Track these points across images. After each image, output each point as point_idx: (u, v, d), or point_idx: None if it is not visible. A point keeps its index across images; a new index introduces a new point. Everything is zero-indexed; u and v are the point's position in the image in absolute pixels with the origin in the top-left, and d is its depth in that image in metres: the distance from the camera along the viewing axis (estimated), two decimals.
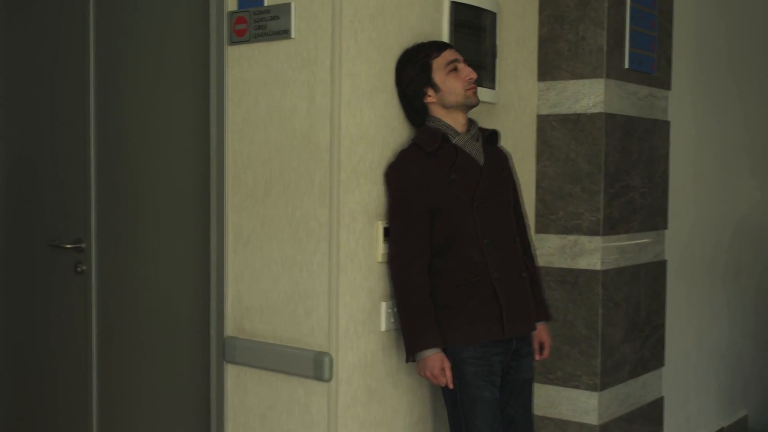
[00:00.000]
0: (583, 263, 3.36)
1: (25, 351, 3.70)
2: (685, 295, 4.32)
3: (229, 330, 2.92)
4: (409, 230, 2.68)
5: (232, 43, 2.86)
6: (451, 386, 2.69)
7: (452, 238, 2.70)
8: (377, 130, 2.73)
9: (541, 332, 2.94)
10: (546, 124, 3.44)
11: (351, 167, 2.65)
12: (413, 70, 2.74)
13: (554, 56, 3.41)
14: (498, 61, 3.22)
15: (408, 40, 2.82)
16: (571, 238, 3.38)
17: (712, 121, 4.59)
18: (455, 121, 2.77)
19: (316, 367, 2.66)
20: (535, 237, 3.46)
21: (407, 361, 2.73)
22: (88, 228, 3.38)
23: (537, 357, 2.94)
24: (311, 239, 2.69)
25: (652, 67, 3.60)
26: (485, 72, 3.15)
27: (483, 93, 3.12)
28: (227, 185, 2.90)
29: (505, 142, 3.29)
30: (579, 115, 3.35)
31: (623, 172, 3.43)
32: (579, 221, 3.36)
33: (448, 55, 2.76)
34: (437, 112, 2.77)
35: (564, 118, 3.39)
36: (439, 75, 2.74)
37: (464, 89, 2.74)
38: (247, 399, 2.88)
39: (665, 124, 3.74)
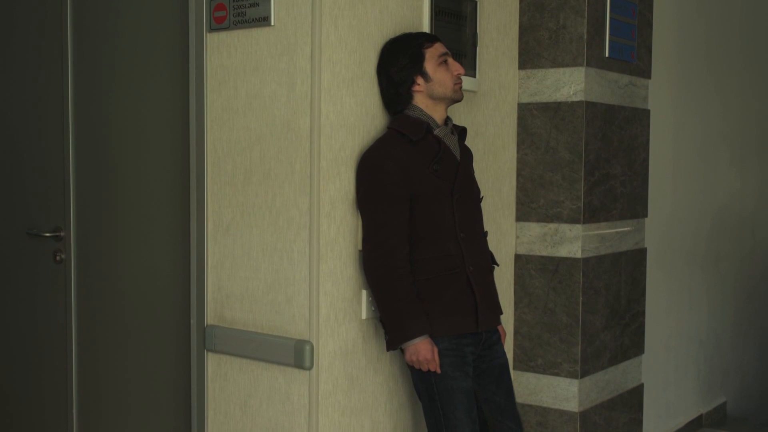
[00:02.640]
0: (563, 251, 3.37)
1: (3, 340, 3.68)
2: (664, 283, 4.35)
3: (210, 318, 2.92)
4: (393, 216, 2.65)
5: (212, 30, 2.85)
6: (439, 371, 2.68)
7: (430, 229, 2.71)
8: (358, 117, 2.73)
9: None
10: (526, 113, 3.44)
11: (331, 155, 2.65)
12: (405, 58, 2.74)
13: (535, 44, 3.41)
14: (479, 49, 3.22)
15: (389, 27, 2.82)
16: (552, 226, 3.39)
17: (692, 111, 4.61)
18: (436, 113, 2.78)
19: (296, 355, 2.65)
20: (515, 225, 3.47)
21: (389, 349, 2.71)
22: (67, 216, 3.36)
23: None
24: (291, 227, 2.68)
25: (632, 55, 3.61)
26: (466, 60, 3.15)
27: (464, 81, 3.12)
28: (207, 173, 2.89)
29: (486, 130, 3.30)
30: (559, 103, 3.36)
31: (603, 161, 3.45)
32: (559, 209, 3.37)
33: (440, 47, 2.78)
34: (421, 102, 2.76)
35: (544, 106, 3.40)
36: (430, 65, 2.74)
37: (452, 83, 2.76)
38: (228, 387, 2.88)
39: (645, 113, 3.75)
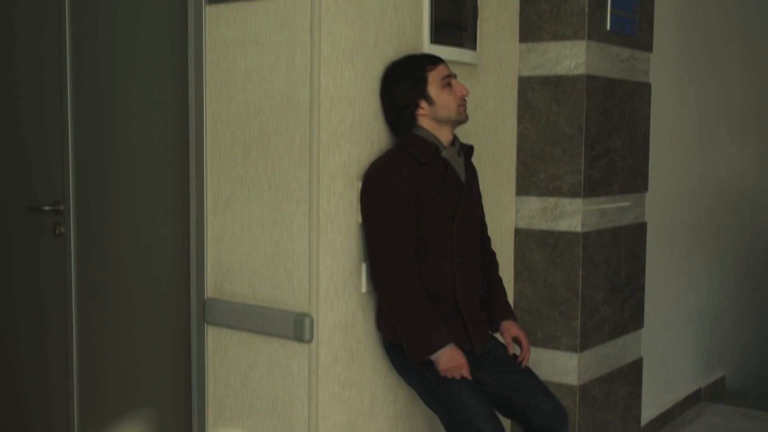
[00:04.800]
0: (563, 225, 3.36)
1: (4, 313, 3.69)
2: (664, 257, 4.35)
3: (210, 291, 2.92)
4: (403, 233, 2.65)
5: (211, 2, 2.83)
6: (470, 377, 2.66)
7: (426, 250, 2.71)
8: (357, 90, 2.71)
9: (511, 327, 2.91)
10: (527, 86, 3.43)
11: (331, 128, 2.64)
12: (408, 82, 2.72)
13: (536, 18, 3.39)
14: (479, 22, 3.20)
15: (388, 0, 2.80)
16: (552, 200, 3.39)
17: (692, 85, 4.59)
18: (442, 135, 2.78)
19: (296, 328, 2.66)
20: (515, 199, 3.46)
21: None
22: (66, 190, 3.36)
23: (512, 351, 2.89)
24: (291, 200, 2.68)
25: (633, 29, 3.58)
26: (466, 33, 3.13)
27: (464, 54, 3.11)
28: (206, 146, 2.88)
29: (486, 104, 3.28)
30: (560, 77, 3.34)
31: (604, 135, 3.44)
32: (560, 183, 3.36)
33: (443, 69, 2.76)
34: (426, 124, 2.76)
35: (545, 80, 3.38)
36: (434, 88, 2.73)
37: (457, 105, 2.75)
38: (228, 360, 2.89)
39: (646, 87, 3.74)
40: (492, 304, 2.94)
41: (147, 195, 3.15)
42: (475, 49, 3.18)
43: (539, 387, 2.85)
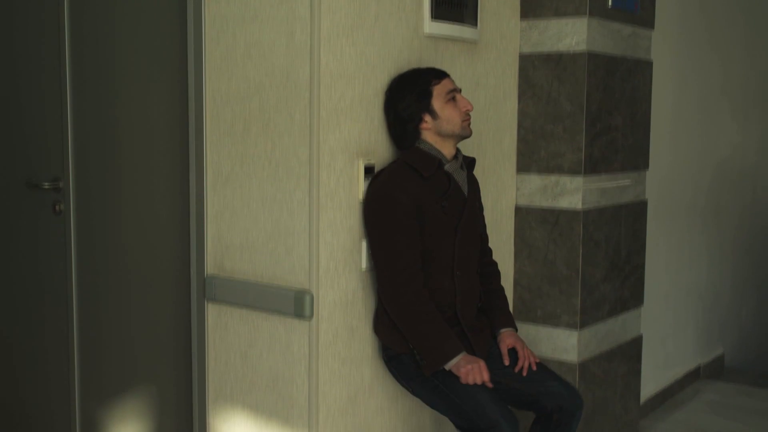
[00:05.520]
0: (564, 203, 3.36)
1: (4, 291, 3.69)
2: (664, 235, 4.35)
3: (210, 268, 2.92)
4: (409, 246, 2.66)
5: None
6: (490, 384, 2.65)
7: (428, 263, 2.72)
8: (357, 67, 2.70)
9: (508, 337, 2.90)
10: (528, 63, 3.41)
11: (331, 105, 2.63)
12: (412, 95, 2.72)
13: None
14: None
15: None
16: (553, 178, 3.38)
17: (694, 63, 4.58)
18: (446, 149, 2.78)
19: (296, 305, 2.66)
20: (516, 177, 3.46)
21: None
22: (66, 167, 3.35)
23: (507, 361, 2.85)
24: (291, 177, 2.67)
25: (635, 6, 3.56)
26: (467, 10, 3.11)
27: (464, 31, 3.09)
28: (206, 123, 2.87)
29: (487, 81, 3.27)
30: (561, 54, 3.33)
31: (605, 112, 3.42)
32: (560, 161, 3.35)
33: (448, 84, 2.76)
34: (430, 138, 2.76)
35: (546, 57, 3.36)
36: (438, 102, 2.73)
37: (461, 120, 2.75)
38: (228, 337, 2.89)
39: (648, 64, 3.72)
40: (492, 312, 2.95)
41: (147, 172, 3.14)
42: (475, 25, 3.16)
43: (546, 373, 2.86)
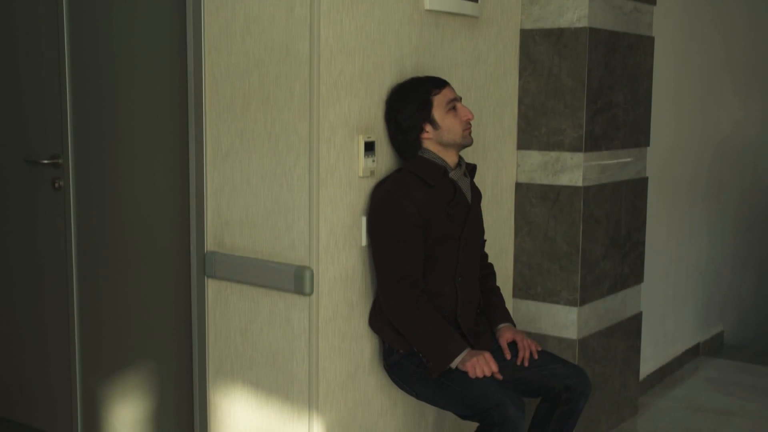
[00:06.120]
0: (564, 179, 3.35)
1: (3, 268, 3.69)
2: (665, 212, 4.35)
3: (210, 245, 2.92)
4: (412, 255, 2.66)
5: None
6: (499, 376, 2.64)
7: (431, 268, 2.72)
8: (357, 42, 2.68)
9: (506, 332, 2.89)
10: (529, 39, 3.39)
11: (331, 80, 2.61)
12: (413, 105, 2.72)
13: None
14: None
15: None
16: (553, 154, 3.37)
17: (696, 39, 4.55)
18: (448, 157, 2.78)
19: (297, 281, 2.66)
20: (516, 153, 3.45)
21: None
22: (65, 143, 3.34)
23: (508, 355, 2.84)
24: (291, 153, 2.66)
25: None
26: None
27: (465, 6, 3.07)
28: (205, 98, 2.86)
29: (487, 57, 3.25)
30: (563, 29, 3.31)
31: (606, 88, 3.41)
32: (561, 137, 3.34)
33: (449, 93, 2.75)
34: (432, 147, 2.76)
35: (547, 32, 3.34)
36: (439, 112, 2.73)
37: (462, 129, 2.74)
38: (228, 313, 2.89)
39: (649, 40, 3.70)
40: (489, 309, 2.95)
41: (146, 147, 3.13)
42: (476, 0, 3.14)
43: (549, 356, 2.86)
